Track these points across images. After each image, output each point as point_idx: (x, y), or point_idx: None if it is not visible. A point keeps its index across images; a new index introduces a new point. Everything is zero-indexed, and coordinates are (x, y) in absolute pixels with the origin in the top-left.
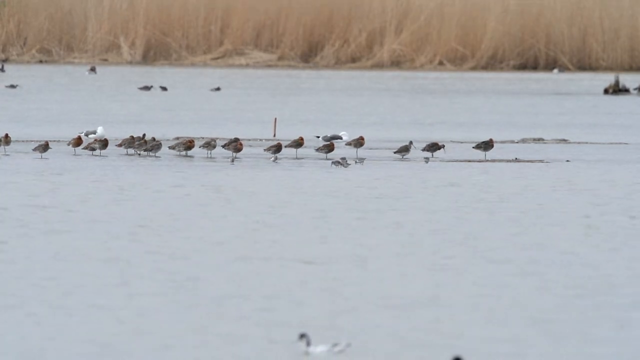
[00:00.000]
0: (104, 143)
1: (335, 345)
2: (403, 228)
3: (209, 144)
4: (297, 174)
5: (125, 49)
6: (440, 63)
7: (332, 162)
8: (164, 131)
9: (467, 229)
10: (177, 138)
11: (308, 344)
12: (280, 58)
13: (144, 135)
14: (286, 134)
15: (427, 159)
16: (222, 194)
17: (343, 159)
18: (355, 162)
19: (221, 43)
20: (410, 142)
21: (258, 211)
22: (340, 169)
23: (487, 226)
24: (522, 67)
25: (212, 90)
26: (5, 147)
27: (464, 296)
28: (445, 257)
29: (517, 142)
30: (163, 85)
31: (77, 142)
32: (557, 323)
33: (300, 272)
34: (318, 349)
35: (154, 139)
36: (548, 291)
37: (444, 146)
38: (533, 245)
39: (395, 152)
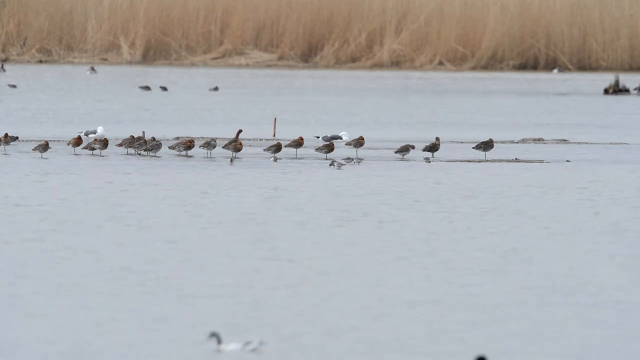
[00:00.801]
0: (104, 143)
1: (247, 343)
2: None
3: (209, 144)
4: (293, 174)
5: (125, 48)
6: (440, 63)
7: (330, 163)
8: (164, 131)
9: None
10: (177, 138)
11: (219, 342)
12: (280, 58)
13: (143, 133)
14: (286, 134)
15: (427, 159)
16: (214, 192)
17: (348, 159)
18: (353, 162)
19: (221, 43)
20: (413, 147)
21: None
22: (340, 169)
23: (465, 224)
24: (522, 67)
25: (209, 90)
26: (5, 146)
27: (397, 295)
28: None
29: (517, 142)
30: (163, 85)
31: (77, 142)
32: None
33: (237, 271)
34: (230, 347)
35: (153, 138)
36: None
37: (437, 138)
38: (526, 246)
39: (395, 152)
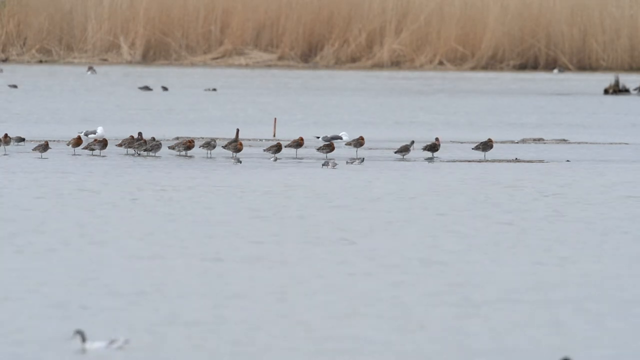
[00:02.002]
0: (103, 143)
1: (113, 341)
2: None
3: (209, 144)
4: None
5: (125, 49)
6: (440, 63)
7: (323, 163)
8: (164, 131)
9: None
10: (177, 138)
11: (84, 340)
12: (280, 58)
13: (140, 133)
14: (286, 134)
15: (429, 159)
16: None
17: (353, 159)
18: (347, 162)
19: (221, 43)
20: (412, 142)
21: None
22: (335, 168)
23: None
24: (522, 67)
25: (206, 90)
26: (5, 147)
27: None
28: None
29: (517, 142)
30: (164, 85)
31: (77, 142)
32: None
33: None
34: (95, 345)
35: (153, 139)
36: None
37: (437, 139)
38: (527, 249)
39: (395, 152)
